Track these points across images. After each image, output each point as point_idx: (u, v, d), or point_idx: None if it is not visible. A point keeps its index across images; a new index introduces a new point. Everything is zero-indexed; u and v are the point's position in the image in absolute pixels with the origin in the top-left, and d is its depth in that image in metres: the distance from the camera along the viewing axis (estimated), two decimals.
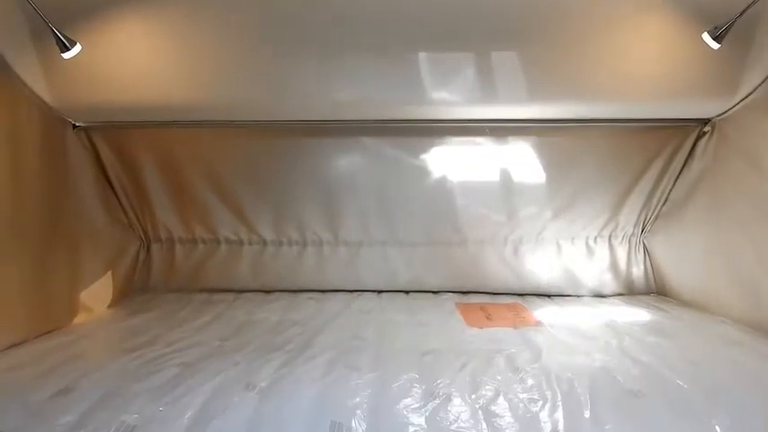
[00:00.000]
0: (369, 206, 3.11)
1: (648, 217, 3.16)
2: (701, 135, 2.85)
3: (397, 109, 2.70)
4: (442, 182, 3.04)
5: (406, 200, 3.09)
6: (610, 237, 3.23)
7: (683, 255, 2.97)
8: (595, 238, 3.22)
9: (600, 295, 3.19)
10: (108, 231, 3.02)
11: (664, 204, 3.09)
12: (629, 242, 3.24)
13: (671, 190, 3.03)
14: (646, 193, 3.05)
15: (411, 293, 3.23)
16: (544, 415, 1.65)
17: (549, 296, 3.18)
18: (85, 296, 2.75)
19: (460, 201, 3.09)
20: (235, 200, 3.11)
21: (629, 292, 3.21)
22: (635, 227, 3.20)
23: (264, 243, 3.24)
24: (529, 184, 3.04)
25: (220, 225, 3.19)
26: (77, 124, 2.80)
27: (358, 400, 1.72)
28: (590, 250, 3.22)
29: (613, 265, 3.22)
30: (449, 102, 2.57)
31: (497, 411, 1.67)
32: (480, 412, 1.67)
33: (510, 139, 2.96)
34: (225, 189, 3.09)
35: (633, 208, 3.11)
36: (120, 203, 3.12)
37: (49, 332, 2.42)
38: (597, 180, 3.02)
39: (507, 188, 3.06)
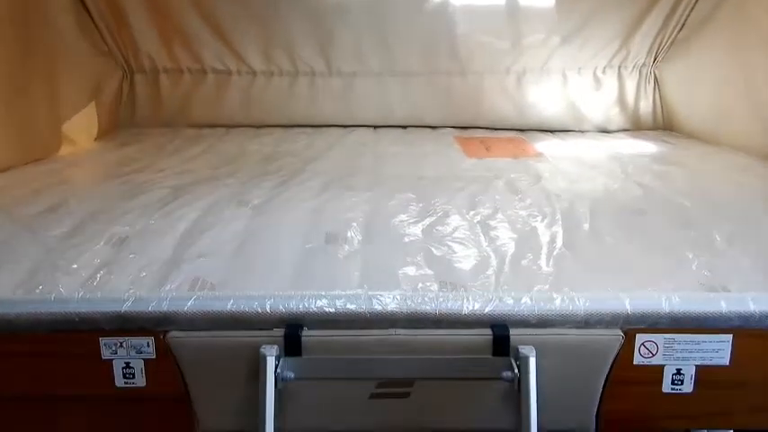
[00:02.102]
0: (363, 32, 2.90)
1: (663, 44, 2.96)
2: None
3: None
4: (443, 5, 2.81)
5: (402, 25, 2.88)
6: (619, 67, 3.05)
7: (697, 84, 2.82)
8: (604, 68, 3.05)
9: (605, 131, 3.09)
10: (87, 59, 2.82)
11: (681, 29, 2.88)
12: (640, 73, 3.07)
13: (690, 12, 2.81)
14: (663, 15, 2.83)
15: (408, 128, 3.13)
16: (542, 227, 1.62)
17: (551, 131, 3.09)
18: (69, 128, 2.63)
19: (461, 26, 2.87)
20: (220, 25, 2.89)
21: (636, 127, 3.11)
22: (647, 56, 3.01)
23: (254, 73, 3.06)
24: (536, 6, 2.81)
25: (206, 53, 2.99)
26: None
27: (353, 214, 1.70)
28: (597, 81, 3.07)
29: (621, 99, 3.09)
30: None
31: (495, 225, 1.65)
32: (478, 226, 1.64)
33: None
34: (209, 12, 2.86)
35: (647, 33, 2.91)
36: (98, 29, 2.89)
37: (33, 162, 2.35)
38: (611, 1, 2.79)
39: (512, 11, 2.83)
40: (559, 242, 1.52)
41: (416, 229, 1.60)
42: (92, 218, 1.66)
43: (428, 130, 3.11)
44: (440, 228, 1.62)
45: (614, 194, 1.93)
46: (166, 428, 1.33)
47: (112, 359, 1.24)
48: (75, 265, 1.38)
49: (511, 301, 1.24)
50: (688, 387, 1.26)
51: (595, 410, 1.28)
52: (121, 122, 3.10)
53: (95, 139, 2.84)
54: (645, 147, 2.69)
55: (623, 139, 2.90)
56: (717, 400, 1.28)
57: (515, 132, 3.06)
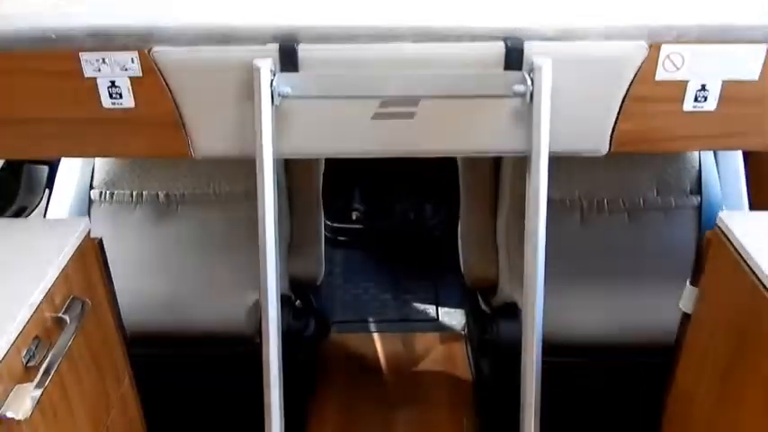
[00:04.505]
0: None
1: None
2: None
3: None
4: None
5: None
6: None
7: None
8: None
9: None
10: None
11: None
12: None
13: None
14: None
15: None
16: None
17: None
18: None
19: None
20: None
21: None
22: None
23: None
24: None
25: None
26: None
27: None
28: None
29: None
30: None
31: None
32: None
33: None
34: None
35: None
36: None
37: None
38: None
39: None
40: None
41: None
42: None
43: None
44: None
45: None
46: (160, 154, 1.28)
47: (96, 77, 1.16)
48: None
49: (526, 12, 1.13)
50: (711, 104, 1.18)
51: (610, 131, 1.22)
52: None
53: None
54: None
55: None
56: (738, 120, 1.21)
57: None
